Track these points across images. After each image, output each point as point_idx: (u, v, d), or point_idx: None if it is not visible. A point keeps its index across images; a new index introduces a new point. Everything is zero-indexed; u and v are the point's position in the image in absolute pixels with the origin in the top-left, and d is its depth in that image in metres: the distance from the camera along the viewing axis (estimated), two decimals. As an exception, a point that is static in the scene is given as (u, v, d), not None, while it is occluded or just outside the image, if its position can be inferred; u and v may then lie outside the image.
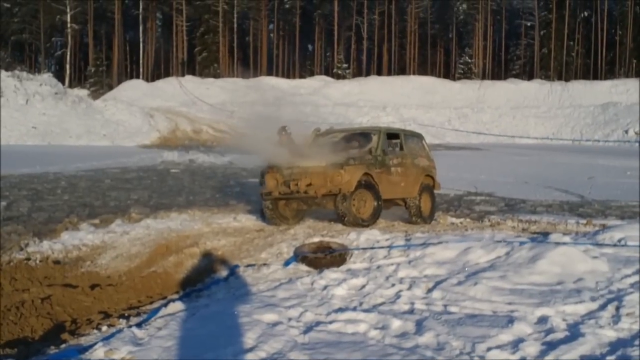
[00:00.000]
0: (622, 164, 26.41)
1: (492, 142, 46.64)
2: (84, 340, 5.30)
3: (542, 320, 5.12)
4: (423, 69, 75.87)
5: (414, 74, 69.76)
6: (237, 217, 11.75)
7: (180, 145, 36.29)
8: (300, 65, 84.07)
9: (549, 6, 74.63)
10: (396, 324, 5.20)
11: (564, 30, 72.12)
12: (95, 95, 53.89)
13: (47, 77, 41.37)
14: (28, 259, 8.72)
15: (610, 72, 68.49)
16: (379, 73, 73.00)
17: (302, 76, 73.78)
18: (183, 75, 67.28)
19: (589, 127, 48.11)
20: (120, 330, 5.23)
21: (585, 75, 68.40)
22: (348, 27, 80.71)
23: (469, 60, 73.50)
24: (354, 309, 5.71)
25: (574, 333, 4.76)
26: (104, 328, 5.66)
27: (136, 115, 41.66)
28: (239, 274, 7.55)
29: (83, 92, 52.21)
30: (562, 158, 31.05)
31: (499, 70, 77.13)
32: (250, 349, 4.61)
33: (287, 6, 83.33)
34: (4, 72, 37.98)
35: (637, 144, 42.10)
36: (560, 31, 72.48)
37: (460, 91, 58.18)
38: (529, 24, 77.44)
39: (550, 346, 4.54)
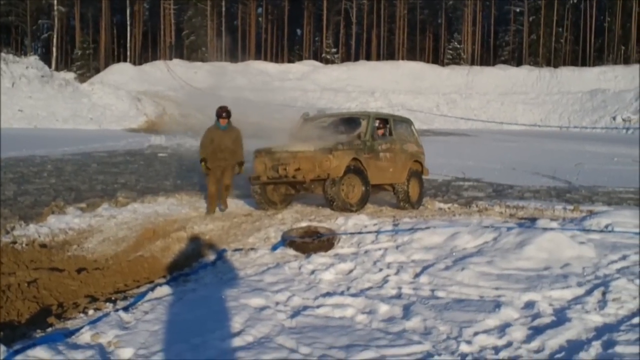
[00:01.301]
0: (609, 150, 26.58)
1: (481, 128, 46.79)
2: (70, 324, 5.28)
3: (529, 305, 5.15)
4: (412, 54, 75.63)
5: (402, 59, 69.48)
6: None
7: (168, 130, 36.00)
8: (288, 49, 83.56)
9: (538, -8, 74.56)
10: (383, 308, 5.21)
11: (553, 16, 72.19)
12: (82, 78, 53.24)
13: (33, 60, 40.91)
14: (14, 242, 8.68)
15: (598, 59, 68.60)
16: (368, 58, 72.69)
17: (290, 61, 73.36)
18: (171, 58, 66.71)
19: (577, 114, 48.32)
20: (106, 314, 5.21)
21: (574, 62, 68.60)
22: (337, 12, 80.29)
23: (458, 46, 73.26)
24: (342, 293, 5.72)
25: (560, 318, 4.79)
26: (91, 312, 5.64)
27: (123, 99, 41.35)
28: (226, 258, 7.53)
29: (70, 75, 51.46)
30: (550, 144, 31.19)
31: (488, 56, 77.00)
32: (238, 333, 4.60)
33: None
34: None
35: (624, 131, 42.34)
36: (549, 17, 72.54)
37: (449, 77, 58.12)
38: (518, 10, 77.24)
39: (537, 331, 4.57)
